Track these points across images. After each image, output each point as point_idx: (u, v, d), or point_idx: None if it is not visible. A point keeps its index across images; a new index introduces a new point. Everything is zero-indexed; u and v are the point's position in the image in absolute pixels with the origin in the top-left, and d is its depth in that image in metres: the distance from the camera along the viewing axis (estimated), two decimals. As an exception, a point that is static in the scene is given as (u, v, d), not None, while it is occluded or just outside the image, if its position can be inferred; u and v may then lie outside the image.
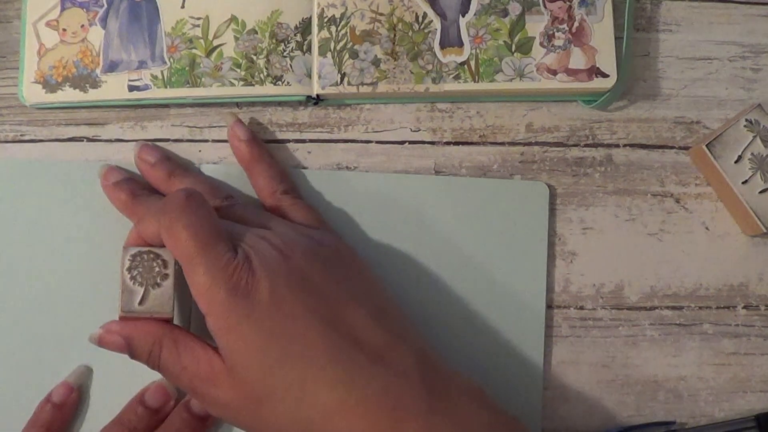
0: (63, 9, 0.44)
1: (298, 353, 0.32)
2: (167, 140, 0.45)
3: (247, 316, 0.32)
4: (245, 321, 0.32)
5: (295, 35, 0.44)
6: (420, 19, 0.44)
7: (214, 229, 0.34)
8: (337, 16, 0.44)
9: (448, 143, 0.45)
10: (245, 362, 0.32)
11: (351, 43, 0.44)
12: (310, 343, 0.32)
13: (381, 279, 0.39)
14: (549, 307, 0.44)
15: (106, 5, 0.44)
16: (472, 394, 0.34)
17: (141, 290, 0.35)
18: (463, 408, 0.33)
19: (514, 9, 0.45)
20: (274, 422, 0.33)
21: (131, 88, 0.44)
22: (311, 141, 0.45)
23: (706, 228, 0.45)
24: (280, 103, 0.45)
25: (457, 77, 0.44)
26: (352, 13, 0.44)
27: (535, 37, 0.44)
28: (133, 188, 0.41)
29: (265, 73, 0.44)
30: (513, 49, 0.44)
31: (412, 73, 0.44)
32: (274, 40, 0.44)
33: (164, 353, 0.35)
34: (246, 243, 0.34)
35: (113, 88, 0.44)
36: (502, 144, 0.45)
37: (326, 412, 0.32)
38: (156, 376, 0.37)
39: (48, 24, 0.44)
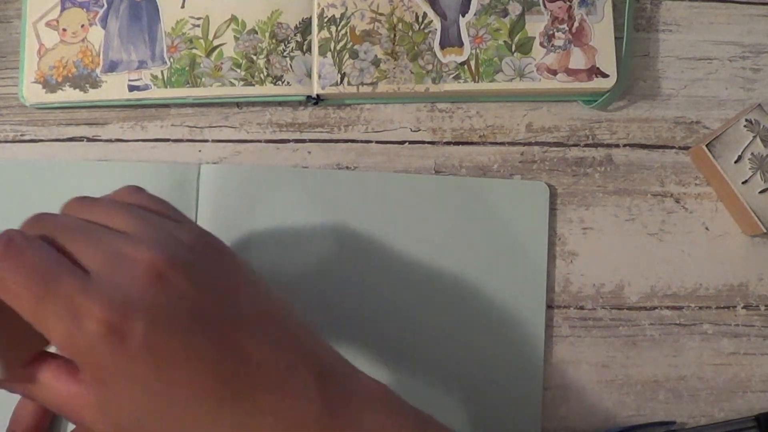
0: (63, 9, 0.44)
1: (183, 402, 0.27)
2: (167, 140, 0.45)
3: (119, 368, 0.27)
4: (118, 373, 0.27)
5: (295, 35, 0.44)
6: (420, 19, 0.44)
7: (53, 263, 0.27)
8: (337, 16, 0.44)
9: (448, 143, 0.45)
10: (121, 415, 0.28)
11: (351, 43, 0.44)
12: (196, 388, 0.27)
13: (262, 276, 0.33)
14: (549, 307, 0.44)
15: (106, 5, 0.44)
16: (379, 402, 0.31)
17: None
18: (368, 419, 0.30)
19: (514, 9, 0.45)
20: None
21: (131, 88, 0.44)
22: (311, 141, 0.45)
23: (706, 228, 0.45)
24: (280, 103, 0.45)
25: (457, 77, 0.44)
26: (352, 13, 0.44)
27: (535, 37, 0.44)
28: None
29: (265, 73, 0.44)
30: (513, 49, 0.44)
31: (412, 73, 0.44)
32: (274, 40, 0.44)
33: (30, 394, 0.30)
34: (103, 267, 0.28)
35: (113, 88, 0.44)
36: (502, 144, 0.45)
37: None
38: None
39: (48, 24, 0.44)
